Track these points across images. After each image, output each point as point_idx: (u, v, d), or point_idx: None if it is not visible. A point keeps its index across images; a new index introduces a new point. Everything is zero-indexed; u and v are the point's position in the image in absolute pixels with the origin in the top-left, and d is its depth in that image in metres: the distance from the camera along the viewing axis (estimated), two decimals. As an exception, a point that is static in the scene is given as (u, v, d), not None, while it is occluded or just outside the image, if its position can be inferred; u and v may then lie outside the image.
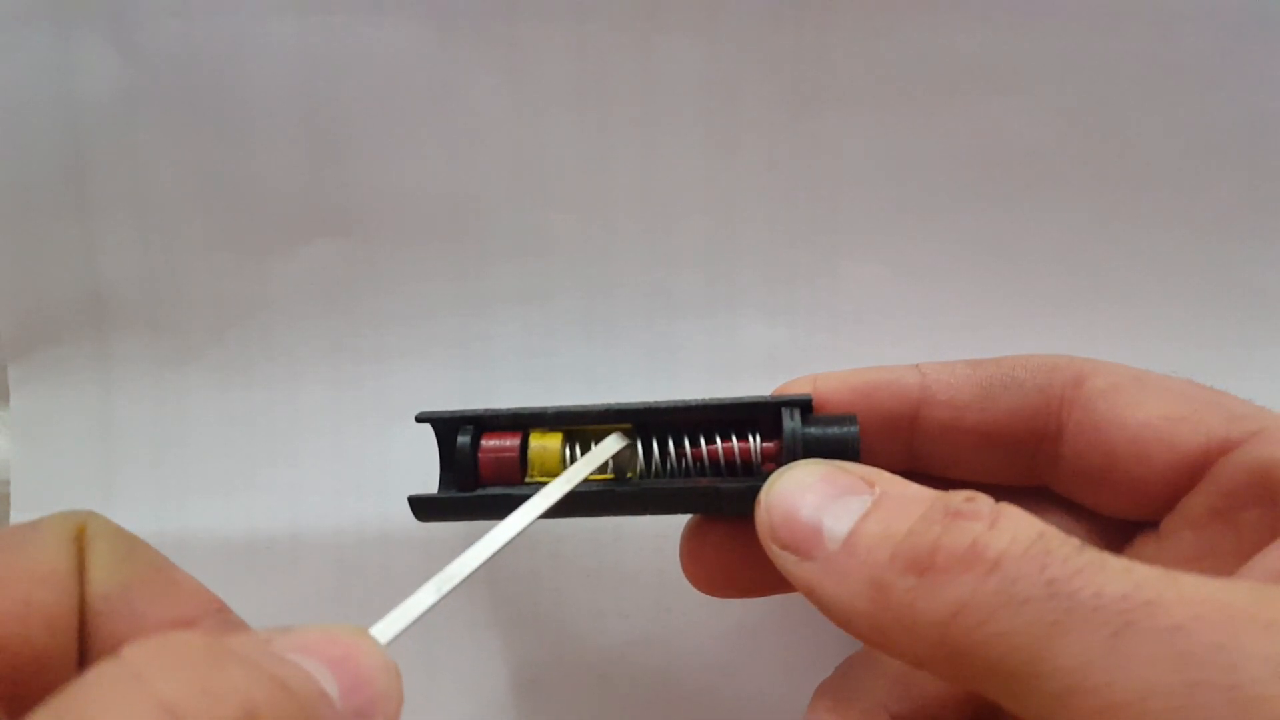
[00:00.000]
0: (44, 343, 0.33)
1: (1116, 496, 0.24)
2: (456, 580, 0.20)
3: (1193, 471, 0.23)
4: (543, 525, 0.33)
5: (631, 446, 0.25)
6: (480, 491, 0.24)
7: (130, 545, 0.20)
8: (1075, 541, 0.18)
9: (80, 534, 0.19)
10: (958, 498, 0.19)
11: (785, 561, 0.21)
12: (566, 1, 0.31)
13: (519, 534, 0.22)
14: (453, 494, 0.25)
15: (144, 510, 0.33)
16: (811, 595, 0.20)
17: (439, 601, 0.20)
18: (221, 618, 0.20)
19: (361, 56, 0.31)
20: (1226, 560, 0.22)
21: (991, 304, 0.33)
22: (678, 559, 0.32)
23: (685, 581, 0.33)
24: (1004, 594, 0.17)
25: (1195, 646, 0.16)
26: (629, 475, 0.25)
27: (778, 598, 0.33)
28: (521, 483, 0.25)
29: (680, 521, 0.28)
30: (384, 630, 0.19)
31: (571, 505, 0.24)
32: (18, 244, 0.32)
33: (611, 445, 0.24)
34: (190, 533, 0.33)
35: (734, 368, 0.33)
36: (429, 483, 0.26)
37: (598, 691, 0.34)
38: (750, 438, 0.24)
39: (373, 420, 0.33)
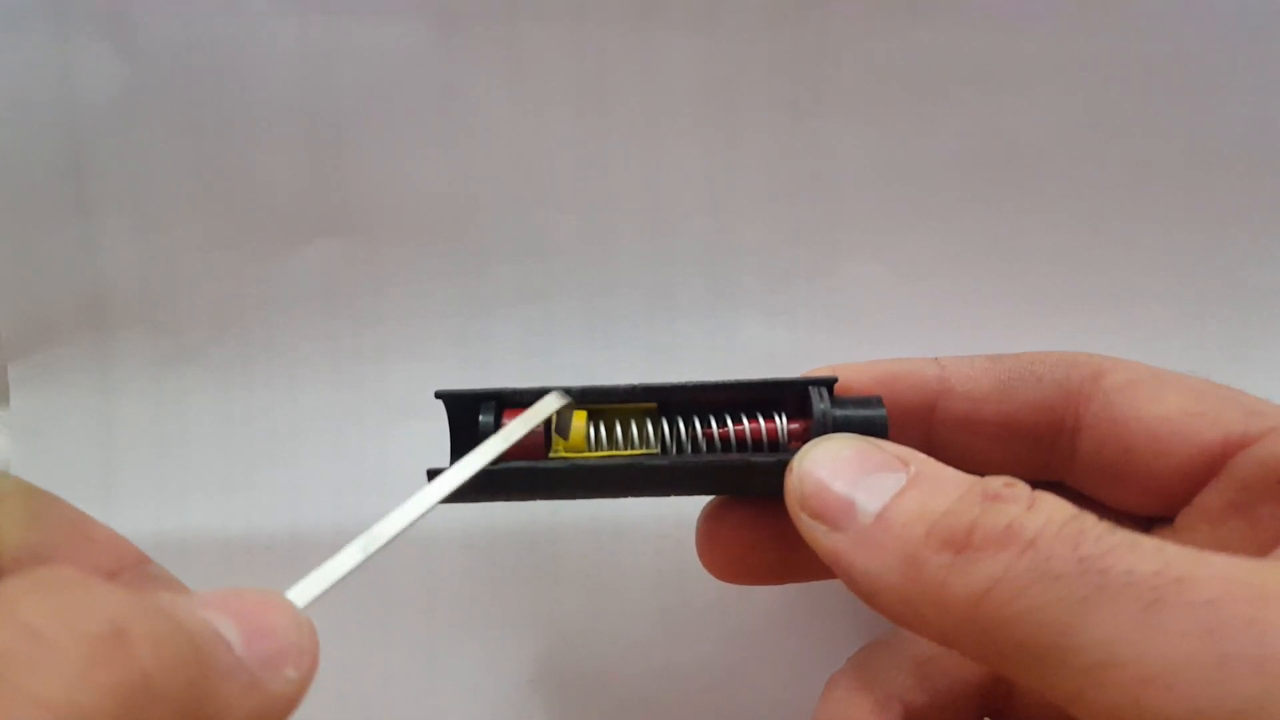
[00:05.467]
0: (44, 343, 0.33)
1: (1132, 491, 0.25)
2: (383, 541, 0.20)
3: (1210, 466, 0.23)
4: (542, 526, 0.33)
5: (571, 406, 0.24)
6: (505, 465, 0.23)
7: (43, 504, 0.20)
8: (1108, 523, 0.18)
9: None
10: (996, 482, 0.19)
11: (814, 531, 0.21)
12: (566, 1, 0.31)
13: (448, 495, 0.21)
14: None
15: (144, 510, 0.33)
16: (838, 566, 0.20)
17: (364, 562, 0.19)
18: (141, 569, 0.20)
19: (361, 56, 0.31)
20: (1243, 555, 0.22)
21: (991, 304, 0.33)
22: (678, 558, 0.32)
23: (685, 581, 0.33)
24: (1037, 570, 0.17)
25: (1226, 620, 0.16)
26: (566, 441, 0.24)
27: (781, 597, 0.33)
28: (545, 459, 0.24)
29: (684, 520, 0.28)
30: (302, 592, 0.19)
31: (597, 484, 0.24)
32: (18, 244, 0.32)
33: (551, 403, 0.23)
34: (190, 533, 0.33)
35: (734, 368, 0.33)
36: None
37: (598, 692, 0.34)
38: (776, 418, 0.24)
39: (373, 420, 0.33)
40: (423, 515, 0.21)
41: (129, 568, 0.20)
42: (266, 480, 0.33)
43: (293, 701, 0.17)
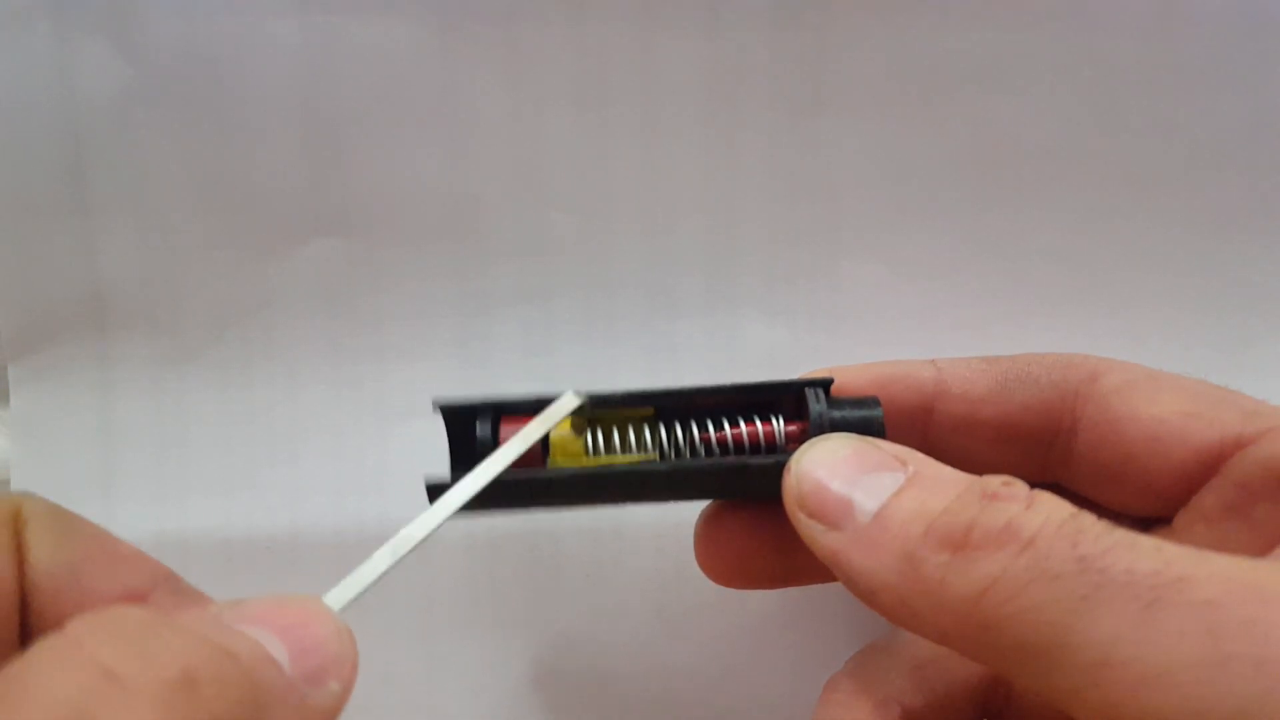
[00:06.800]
0: (44, 343, 0.33)
1: (1130, 492, 0.25)
2: (412, 544, 0.20)
3: (1207, 467, 0.23)
4: (542, 527, 0.33)
5: (586, 406, 0.24)
6: (504, 476, 0.23)
7: (70, 523, 0.20)
8: (1107, 522, 0.18)
9: (16, 516, 0.19)
10: (995, 481, 0.19)
11: (812, 530, 0.21)
12: (566, 1, 0.31)
13: (472, 497, 0.21)
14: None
15: (144, 510, 0.33)
16: (836, 565, 0.20)
17: (395, 565, 0.20)
18: (172, 586, 0.21)
19: (361, 56, 0.31)
20: (1241, 554, 0.22)
21: (991, 304, 0.33)
22: (677, 559, 0.32)
23: (685, 581, 0.33)
24: (1036, 569, 0.17)
25: (1226, 620, 0.16)
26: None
27: (780, 598, 0.33)
28: (544, 468, 0.24)
29: (684, 520, 0.28)
30: (338, 596, 0.19)
31: (597, 491, 0.24)
32: (18, 244, 0.32)
33: (568, 403, 0.23)
34: (190, 533, 0.33)
35: (734, 368, 0.33)
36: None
37: (598, 691, 0.34)
38: (774, 420, 0.24)
39: (373, 420, 0.33)
40: (448, 518, 0.21)
41: (159, 584, 0.20)
42: (266, 480, 0.33)
43: (335, 713, 0.17)
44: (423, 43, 0.31)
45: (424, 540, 0.20)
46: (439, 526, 0.21)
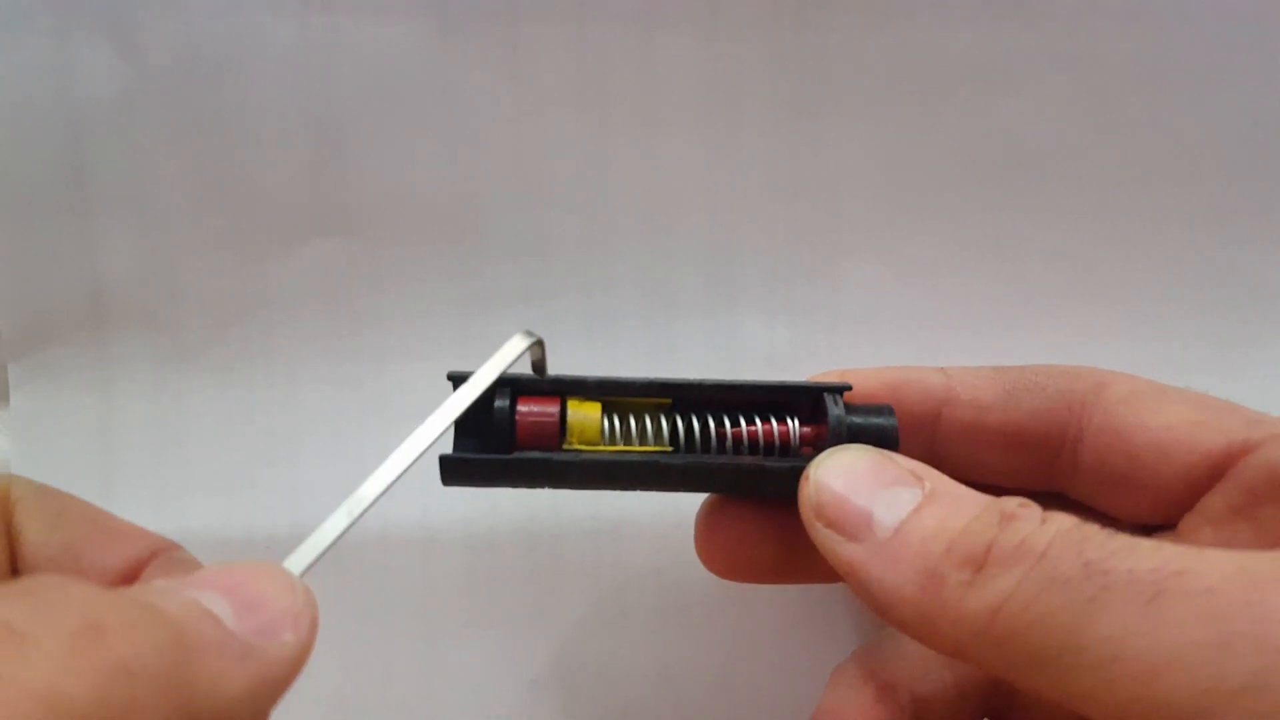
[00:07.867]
0: (44, 343, 0.33)
1: (1136, 499, 0.25)
2: (368, 502, 0.20)
3: (1213, 472, 0.23)
4: (541, 525, 0.33)
5: (540, 344, 0.24)
6: (520, 455, 0.24)
7: (60, 502, 0.20)
8: (1109, 529, 0.18)
9: (4, 499, 0.19)
10: (1012, 503, 0.20)
11: (829, 540, 0.21)
12: (566, 1, 0.31)
13: (424, 452, 0.22)
14: (491, 456, 0.24)
15: (144, 510, 0.33)
16: (853, 577, 0.21)
17: (351, 526, 0.20)
18: (169, 556, 0.21)
19: (361, 56, 0.31)
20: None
21: (991, 304, 0.33)
22: (679, 558, 0.32)
23: (686, 581, 0.33)
24: (1045, 579, 0.18)
25: (1226, 604, 0.16)
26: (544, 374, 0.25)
27: (781, 598, 0.33)
28: (559, 449, 0.24)
29: (685, 520, 0.28)
30: (298, 561, 0.19)
31: (609, 478, 0.24)
32: (18, 244, 0.32)
33: (517, 345, 0.24)
34: (190, 533, 0.33)
35: (734, 368, 0.33)
36: (431, 483, 0.26)
37: (598, 691, 0.34)
38: (789, 421, 0.25)
39: (373, 420, 0.33)
40: (402, 474, 0.21)
41: (158, 555, 0.21)
42: (266, 480, 0.33)
43: (295, 663, 0.17)
44: (423, 43, 0.31)
45: (378, 499, 0.21)
46: (394, 484, 0.21)
